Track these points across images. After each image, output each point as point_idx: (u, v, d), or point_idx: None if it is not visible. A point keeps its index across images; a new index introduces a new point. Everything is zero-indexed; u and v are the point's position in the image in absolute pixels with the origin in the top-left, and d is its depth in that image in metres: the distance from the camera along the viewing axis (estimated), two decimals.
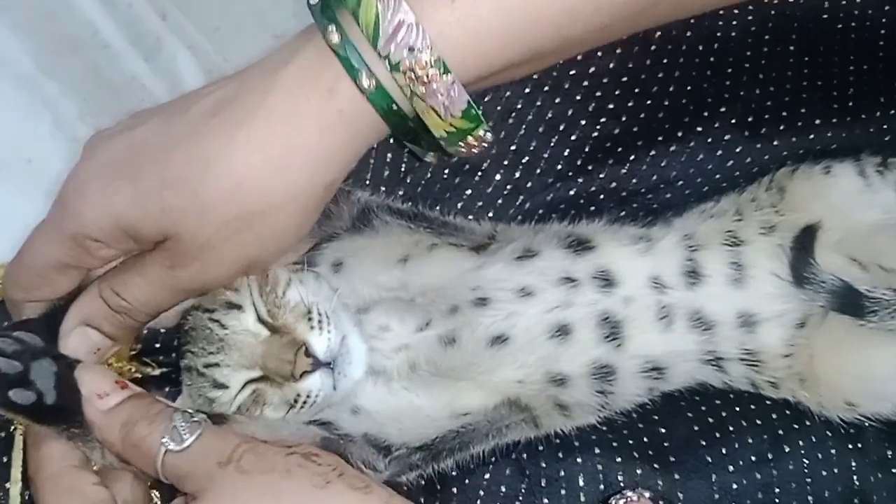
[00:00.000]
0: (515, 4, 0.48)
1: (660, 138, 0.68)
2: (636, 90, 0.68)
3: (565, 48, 0.53)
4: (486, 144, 0.54)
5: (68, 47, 0.95)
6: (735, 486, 0.61)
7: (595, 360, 0.62)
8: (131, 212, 0.52)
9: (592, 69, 0.67)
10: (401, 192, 0.68)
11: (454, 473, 0.62)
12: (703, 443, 0.63)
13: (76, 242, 0.54)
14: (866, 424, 0.63)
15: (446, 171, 0.68)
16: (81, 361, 0.57)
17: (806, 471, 0.63)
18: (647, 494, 0.57)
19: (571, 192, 0.68)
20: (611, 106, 0.68)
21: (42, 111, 0.93)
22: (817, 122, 0.68)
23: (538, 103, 0.67)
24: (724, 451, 0.62)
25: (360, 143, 0.53)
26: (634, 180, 0.68)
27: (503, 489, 0.62)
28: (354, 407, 0.62)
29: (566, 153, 0.68)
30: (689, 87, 0.68)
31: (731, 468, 0.61)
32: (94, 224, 0.53)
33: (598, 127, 0.68)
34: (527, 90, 0.67)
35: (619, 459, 0.61)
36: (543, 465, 0.62)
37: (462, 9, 0.48)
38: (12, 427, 0.62)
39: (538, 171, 0.68)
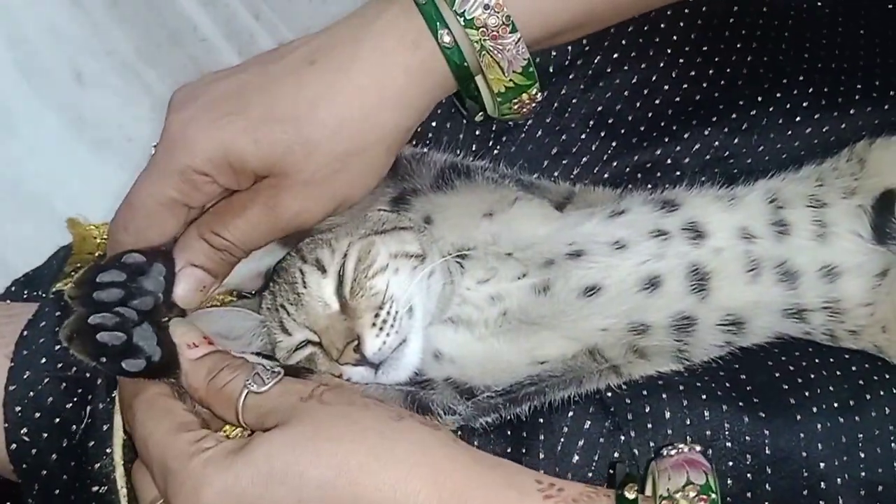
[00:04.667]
0: None
1: (741, 103, 0.71)
2: (716, 59, 0.72)
3: (617, 13, 0.63)
4: (534, 105, 0.62)
5: (168, 40, 1.02)
6: (819, 428, 0.62)
7: (679, 312, 0.64)
8: (242, 141, 0.56)
9: (675, 37, 0.72)
10: (494, 152, 0.72)
11: (540, 420, 0.63)
12: (786, 387, 0.64)
13: (184, 177, 0.58)
14: None
15: (539, 131, 0.72)
16: (172, 316, 0.61)
17: (889, 420, 0.63)
18: (697, 448, 0.58)
19: (658, 153, 0.71)
20: (692, 73, 0.72)
21: (142, 96, 1.00)
22: (892, 93, 0.71)
23: (625, 68, 0.71)
24: (807, 394, 0.63)
25: (435, 95, 0.60)
26: (716, 143, 0.71)
27: (587, 425, 0.63)
28: (437, 352, 0.65)
29: (650, 115, 0.71)
30: (766, 58, 0.72)
31: (814, 409, 0.62)
32: (205, 154, 0.57)
33: (680, 92, 0.72)
34: (615, 55, 0.71)
35: (704, 397, 0.62)
36: (628, 401, 0.64)
37: None
38: None
39: (623, 131, 0.71)
